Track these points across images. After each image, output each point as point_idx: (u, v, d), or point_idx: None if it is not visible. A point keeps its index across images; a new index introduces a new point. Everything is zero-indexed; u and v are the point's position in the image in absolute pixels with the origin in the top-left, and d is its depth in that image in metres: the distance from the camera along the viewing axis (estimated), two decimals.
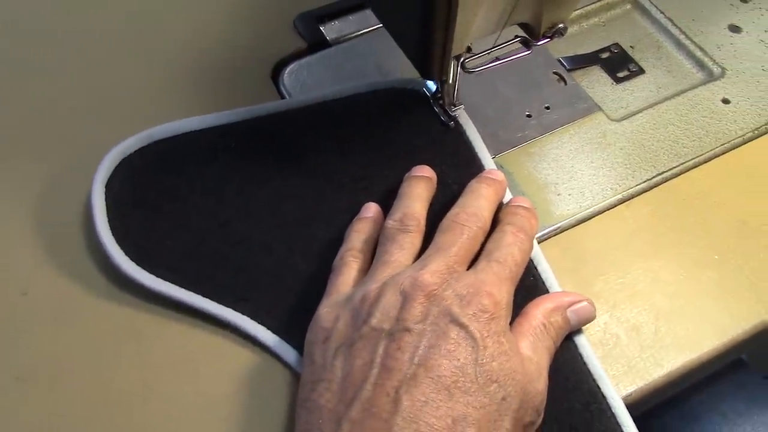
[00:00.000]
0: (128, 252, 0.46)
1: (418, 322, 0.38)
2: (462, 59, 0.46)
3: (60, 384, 0.43)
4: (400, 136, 0.51)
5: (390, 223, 0.45)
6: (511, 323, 0.41)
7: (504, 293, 0.40)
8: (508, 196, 0.48)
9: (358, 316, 0.39)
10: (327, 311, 0.42)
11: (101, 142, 0.49)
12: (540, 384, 0.39)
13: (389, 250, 0.43)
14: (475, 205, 0.45)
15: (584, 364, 0.43)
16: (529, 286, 0.45)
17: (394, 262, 0.42)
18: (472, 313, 0.38)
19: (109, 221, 0.47)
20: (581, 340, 0.43)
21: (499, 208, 0.47)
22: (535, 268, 0.46)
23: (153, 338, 0.45)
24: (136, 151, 0.50)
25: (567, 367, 0.42)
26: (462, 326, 0.37)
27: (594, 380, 0.42)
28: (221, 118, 0.52)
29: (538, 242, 0.48)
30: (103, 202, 0.47)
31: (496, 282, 0.40)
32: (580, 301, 0.43)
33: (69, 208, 0.49)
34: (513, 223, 0.44)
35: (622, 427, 0.41)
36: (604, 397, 0.42)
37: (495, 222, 0.45)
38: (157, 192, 0.49)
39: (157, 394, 0.43)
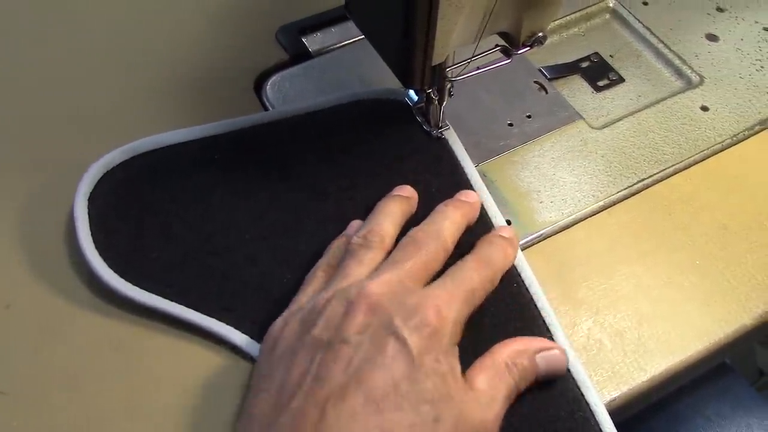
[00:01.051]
0: (112, 265, 0.45)
1: (358, 333, 0.38)
2: (443, 67, 0.46)
3: (43, 398, 0.43)
4: (384, 145, 0.52)
5: (354, 239, 0.45)
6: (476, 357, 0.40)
7: (453, 311, 0.39)
8: (500, 220, 0.48)
9: (304, 325, 0.40)
10: (279, 320, 0.42)
11: (84, 154, 0.49)
12: (487, 414, 0.38)
13: (348, 264, 0.43)
14: (438, 224, 0.45)
15: (568, 371, 0.43)
16: (513, 293, 0.45)
17: (350, 276, 0.42)
18: (413, 326, 0.37)
19: (92, 234, 0.47)
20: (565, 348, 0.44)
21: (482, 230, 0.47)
22: (519, 275, 0.46)
23: (137, 350, 0.44)
24: (119, 165, 0.50)
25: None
26: (399, 339, 0.37)
27: (578, 388, 0.42)
28: (204, 130, 0.52)
29: (522, 249, 0.48)
30: (86, 216, 0.47)
31: (446, 298, 0.39)
32: (550, 349, 0.42)
33: (52, 221, 0.49)
34: (478, 254, 0.44)
35: None
36: (587, 404, 0.42)
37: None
38: (140, 205, 0.48)
39: (142, 406, 0.42)
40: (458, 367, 0.39)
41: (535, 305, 0.45)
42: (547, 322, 0.44)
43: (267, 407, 0.37)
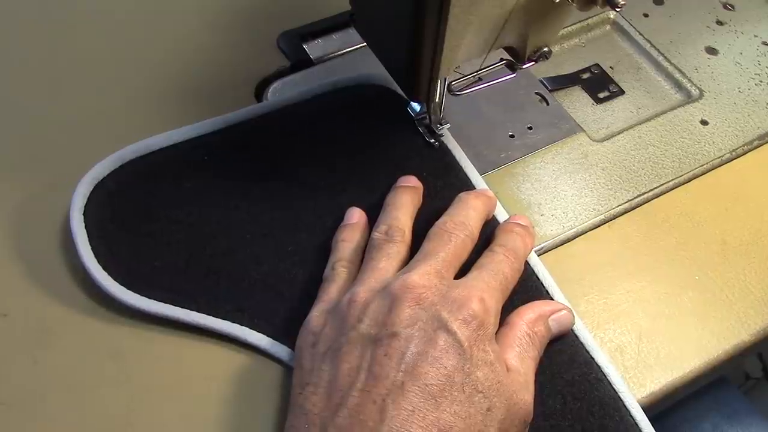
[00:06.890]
0: (117, 278, 0.45)
1: (407, 326, 0.38)
2: (448, 80, 0.46)
3: (41, 408, 0.42)
4: (371, 133, 0.52)
5: (376, 234, 0.45)
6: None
7: (494, 302, 0.40)
8: (504, 215, 0.49)
9: (345, 320, 0.40)
10: (316, 316, 0.42)
11: (82, 161, 0.49)
12: (527, 394, 0.39)
13: (376, 257, 0.44)
14: (463, 214, 0.45)
15: (576, 336, 0.44)
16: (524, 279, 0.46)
17: (381, 269, 0.43)
18: (462, 319, 0.38)
19: (92, 248, 0.46)
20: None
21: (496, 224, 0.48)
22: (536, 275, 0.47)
23: (136, 357, 0.44)
24: (109, 175, 0.49)
25: (560, 342, 0.44)
26: (450, 332, 0.38)
27: (587, 351, 0.43)
28: (189, 131, 0.51)
29: None
30: (84, 230, 0.46)
31: (487, 289, 0.40)
32: (560, 310, 0.44)
33: (45, 229, 0.49)
34: (505, 244, 0.45)
35: (618, 393, 0.42)
36: (599, 366, 0.43)
37: (491, 238, 0.46)
38: (136, 214, 0.48)
39: (142, 415, 0.42)
40: (501, 353, 0.40)
41: (537, 277, 0.46)
42: (548, 290, 0.46)
43: (319, 403, 0.37)
